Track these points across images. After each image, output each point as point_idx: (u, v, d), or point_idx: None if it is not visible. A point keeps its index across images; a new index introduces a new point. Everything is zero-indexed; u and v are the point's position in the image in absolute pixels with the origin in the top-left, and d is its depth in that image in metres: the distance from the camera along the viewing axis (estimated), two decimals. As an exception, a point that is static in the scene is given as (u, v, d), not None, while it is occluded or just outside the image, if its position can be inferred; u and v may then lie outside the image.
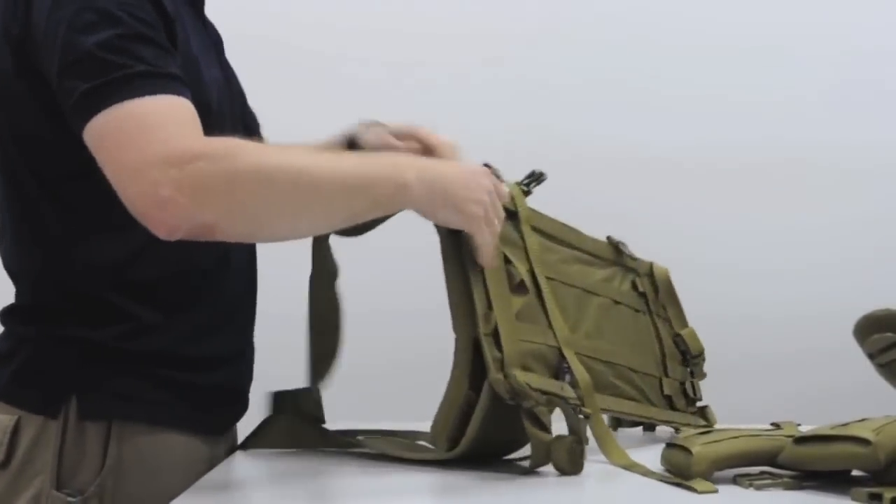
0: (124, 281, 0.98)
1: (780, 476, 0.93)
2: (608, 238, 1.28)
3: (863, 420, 0.90)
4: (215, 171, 0.85)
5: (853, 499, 0.86)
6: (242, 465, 1.05)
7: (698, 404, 1.33)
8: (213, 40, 1.15)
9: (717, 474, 0.93)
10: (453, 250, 1.00)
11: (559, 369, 1.04)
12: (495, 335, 0.97)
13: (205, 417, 1.04)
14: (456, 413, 0.98)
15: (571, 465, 0.94)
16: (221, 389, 1.06)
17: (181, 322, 1.01)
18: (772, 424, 1.06)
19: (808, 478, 0.92)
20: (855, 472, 0.91)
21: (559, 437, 0.95)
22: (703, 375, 1.33)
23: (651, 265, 1.34)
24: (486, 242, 0.98)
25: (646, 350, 1.26)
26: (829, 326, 1.39)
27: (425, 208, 0.96)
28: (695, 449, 0.93)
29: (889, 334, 1.00)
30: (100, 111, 0.86)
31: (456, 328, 0.99)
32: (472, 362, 0.98)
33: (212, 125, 0.99)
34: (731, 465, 0.94)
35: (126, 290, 0.98)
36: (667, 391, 1.26)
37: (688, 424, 1.25)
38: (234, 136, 1.03)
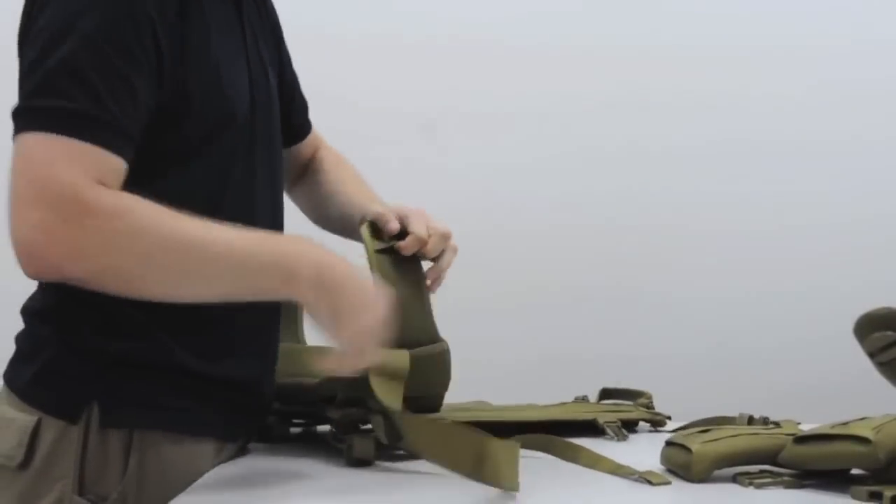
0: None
1: (781, 475, 0.93)
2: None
3: (863, 419, 0.91)
4: (97, 231, 0.84)
5: (853, 497, 0.86)
6: (243, 464, 1.05)
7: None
8: (255, 36, 1.10)
9: (717, 473, 0.93)
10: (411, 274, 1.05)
11: None
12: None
13: (229, 425, 1.03)
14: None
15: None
16: (246, 397, 1.04)
17: (199, 336, 0.99)
18: (772, 423, 1.06)
19: (808, 476, 0.92)
20: (855, 471, 0.91)
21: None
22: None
23: None
24: (349, 366, 0.95)
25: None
26: (830, 325, 1.39)
27: (309, 306, 0.94)
28: (694, 447, 0.93)
29: (889, 333, 1.00)
30: (24, 132, 0.86)
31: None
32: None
33: (233, 138, 0.99)
34: (731, 463, 0.94)
35: (139, 302, 0.93)
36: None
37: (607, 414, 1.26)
38: (258, 150, 1.03)
